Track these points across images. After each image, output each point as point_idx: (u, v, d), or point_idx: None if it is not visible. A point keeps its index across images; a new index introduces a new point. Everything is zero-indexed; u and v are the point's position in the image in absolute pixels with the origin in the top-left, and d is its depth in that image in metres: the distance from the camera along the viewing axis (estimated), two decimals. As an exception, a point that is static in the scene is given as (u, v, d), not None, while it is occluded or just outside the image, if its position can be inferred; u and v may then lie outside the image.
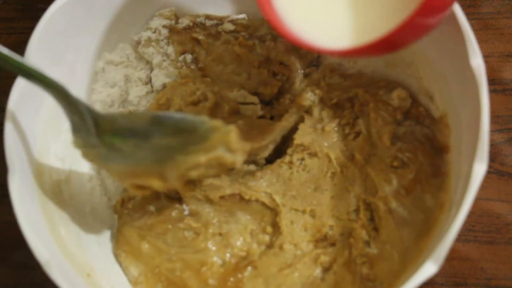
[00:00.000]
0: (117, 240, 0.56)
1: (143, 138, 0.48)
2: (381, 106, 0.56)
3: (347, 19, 0.47)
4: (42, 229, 0.49)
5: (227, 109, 0.59)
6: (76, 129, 0.49)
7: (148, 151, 0.47)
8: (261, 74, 0.61)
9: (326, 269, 0.53)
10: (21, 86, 0.50)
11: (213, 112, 0.59)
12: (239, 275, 0.54)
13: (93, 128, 0.49)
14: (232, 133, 0.46)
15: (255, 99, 0.60)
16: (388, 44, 0.45)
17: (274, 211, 0.56)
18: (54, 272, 0.45)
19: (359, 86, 0.59)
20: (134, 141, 0.48)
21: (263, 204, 0.56)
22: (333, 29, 0.48)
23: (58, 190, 0.54)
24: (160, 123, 0.47)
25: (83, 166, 0.58)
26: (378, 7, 0.47)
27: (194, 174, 0.47)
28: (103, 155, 0.48)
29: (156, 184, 0.47)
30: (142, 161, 0.47)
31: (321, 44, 0.48)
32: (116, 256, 0.56)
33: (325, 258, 0.54)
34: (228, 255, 0.55)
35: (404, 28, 0.43)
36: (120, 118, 0.49)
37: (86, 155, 0.49)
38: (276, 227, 0.56)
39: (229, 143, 0.46)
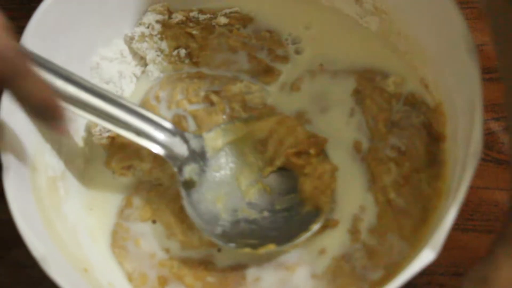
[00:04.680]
0: (114, 235, 0.56)
1: None
2: (377, 93, 0.56)
3: None
4: (38, 225, 0.49)
5: (237, 107, 0.59)
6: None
7: None
8: (260, 62, 0.60)
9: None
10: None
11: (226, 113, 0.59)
12: None
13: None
14: None
15: (259, 87, 0.60)
16: None
17: None
18: (50, 268, 0.44)
19: (354, 72, 0.58)
20: None
21: None
22: None
23: (53, 186, 0.54)
24: None
25: (78, 162, 0.58)
26: None
27: None
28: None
29: None
30: None
31: None
32: (113, 251, 0.56)
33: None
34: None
35: None
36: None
37: None
38: None
39: None
